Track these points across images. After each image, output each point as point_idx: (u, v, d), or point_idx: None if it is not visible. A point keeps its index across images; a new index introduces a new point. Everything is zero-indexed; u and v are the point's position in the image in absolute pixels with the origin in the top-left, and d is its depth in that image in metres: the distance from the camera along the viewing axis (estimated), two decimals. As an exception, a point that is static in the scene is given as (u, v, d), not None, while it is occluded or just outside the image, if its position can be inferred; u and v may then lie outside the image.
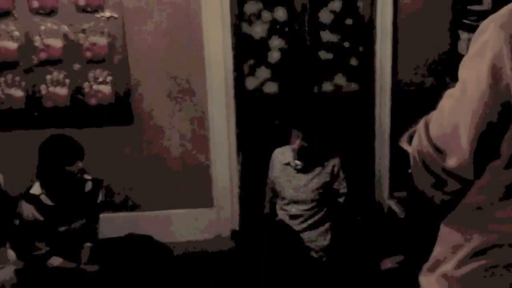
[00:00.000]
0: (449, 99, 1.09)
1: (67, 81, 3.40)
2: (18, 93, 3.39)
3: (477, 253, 1.10)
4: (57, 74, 3.38)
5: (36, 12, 3.29)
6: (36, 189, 2.83)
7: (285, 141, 3.26)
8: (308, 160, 3.20)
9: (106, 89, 3.44)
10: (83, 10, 3.32)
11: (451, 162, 1.08)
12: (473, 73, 1.02)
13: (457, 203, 1.15)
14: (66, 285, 2.82)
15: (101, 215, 3.13)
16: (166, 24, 3.42)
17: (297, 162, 3.22)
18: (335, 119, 3.67)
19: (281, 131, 3.39)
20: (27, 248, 2.83)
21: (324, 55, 3.71)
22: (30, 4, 3.28)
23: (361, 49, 3.72)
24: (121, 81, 3.45)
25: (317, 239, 3.25)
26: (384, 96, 3.68)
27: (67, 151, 2.78)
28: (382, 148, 3.77)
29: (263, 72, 3.72)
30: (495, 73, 0.98)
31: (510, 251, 1.07)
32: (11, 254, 2.85)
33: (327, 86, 3.77)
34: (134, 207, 3.69)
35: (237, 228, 3.77)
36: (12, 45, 3.32)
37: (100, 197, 3.06)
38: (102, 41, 3.37)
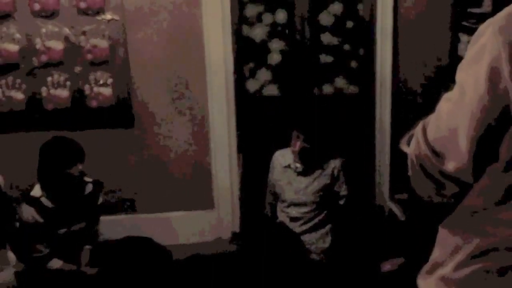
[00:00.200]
0: (447, 103, 1.09)
1: (68, 83, 3.40)
2: (19, 95, 3.39)
3: (475, 256, 1.10)
4: (58, 76, 3.38)
5: (37, 14, 3.30)
6: (36, 191, 2.83)
7: (286, 143, 3.27)
8: (308, 162, 3.20)
9: (107, 91, 3.44)
10: (84, 12, 3.32)
11: (450, 165, 1.07)
12: (471, 77, 1.02)
13: (456, 206, 1.15)
14: (66, 287, 2.82)
15: (101, 217, 3.13)
16: (167, 26, 3.43)
17: (297, 164, 3.22)
18: (335, 121, 3.67)
19: (281, 133, 3.39)
20: (27, 250, 2.83)
21: (324, 57, 3.71)
22: (31, 7, 3.28)
23: (361, 51, 3.73)
24: (122, 83, 3.45)
25: (317, 241, 3.25)
26: (385, 99, 3.68)
27: (68, 154, 2.79)
28: (383, 150, 3.77)
29: (263, 75, 3.72)
30: (493, 77, 0.98)
31: (508, 254, 1.07)
32: (11, 256, 2.85)
33: (328, 89, 3.77)
34: (134, 209, 3.69)
35: (237, 230, 3.77)
36: (13, 48, 3.32)
37: (100, 199, 3.07)
38: (103, 43, 3.37)
